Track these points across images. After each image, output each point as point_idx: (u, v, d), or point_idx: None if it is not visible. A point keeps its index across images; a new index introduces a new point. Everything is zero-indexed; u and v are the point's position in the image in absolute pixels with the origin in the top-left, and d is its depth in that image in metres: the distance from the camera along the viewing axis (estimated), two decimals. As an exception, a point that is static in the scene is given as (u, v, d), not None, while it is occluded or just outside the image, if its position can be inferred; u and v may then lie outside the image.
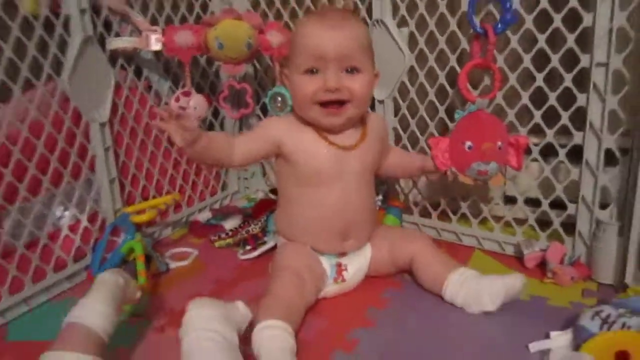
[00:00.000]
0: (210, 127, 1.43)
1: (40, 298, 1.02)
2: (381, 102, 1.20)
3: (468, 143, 1.00)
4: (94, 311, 0.75)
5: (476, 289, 0.90)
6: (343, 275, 0.98)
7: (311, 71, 0.90)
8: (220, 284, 1.07)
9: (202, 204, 1.42)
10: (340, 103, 0.91)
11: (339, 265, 0.98)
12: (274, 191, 1.44)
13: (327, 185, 0.95)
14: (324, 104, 0.91)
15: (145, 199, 1.25)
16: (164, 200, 1.13)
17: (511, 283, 0.89)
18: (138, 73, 1.24)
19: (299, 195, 0.97)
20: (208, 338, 0.72)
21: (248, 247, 1.18)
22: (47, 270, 1.02)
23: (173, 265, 1.14)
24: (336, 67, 0.89)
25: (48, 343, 0.74)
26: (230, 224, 1.26)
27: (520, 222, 1.11)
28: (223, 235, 1.22)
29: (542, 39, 0.98)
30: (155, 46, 1.16)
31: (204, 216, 1.34)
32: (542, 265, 1.04)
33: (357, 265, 1.00)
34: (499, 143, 1.00)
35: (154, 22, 1.23)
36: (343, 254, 1.00)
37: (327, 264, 0.98)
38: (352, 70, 0.91)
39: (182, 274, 1.12)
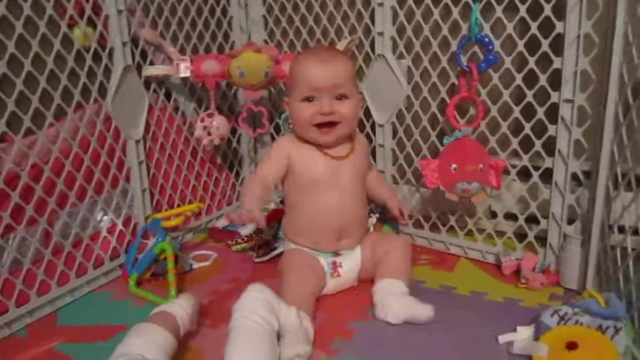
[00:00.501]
0: (229, 144, 1.59)
1: (83, 289, 1.18)
2: (381, 126, 1.36)
3: (454, 165, 1.16)
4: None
5: (388, 301, 1.03)
6: (338, 271, 1.15)
7: (308, 99, 1.09)
8: (237, 282, 1.22)
9: (220, 212, 1.58)
10: (333, 124, 1.10)
11: (334, 263, 1.15)
12: (283, 201, 1.59)
13: (325, 192, 1.12)
14: (319, 125, 1.10)
15: (171, 206, 1.41)
16: (189, 208, 1.29)
17: (417, 314, 1.01)
18: (168, 96, 1.41)
19: (302, 202, 1.15)
20: (255, 322, 0.85)
21: (262, 252, 1.34)
22: (88, 267, 1.19)
23: (196, 265, 1.30)
24: (329, 95, 1.08)
25: (91, 327, 0.94)
26: (245, 230, 1.42)
27: (501, 234, 1.27)
28: (239, 240, 1.38)
29: (519, 77, 1.14)
30: (185, 73, 1.33)
31: (222, 223, 1.50)
32: (518, 272, 1.19)
33: (349, 263, 1.16)
34: (481, 165, 1.16)
35: (182, 51, 1.40)
36: (337, 254, 1.16)
37: (324, 261, 1.14)
38: (342, 97, 1.10)
39: (205, 273, 1.28)
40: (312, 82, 1.08)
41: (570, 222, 1.15)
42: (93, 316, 1.10)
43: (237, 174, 1.66)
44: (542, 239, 1.20)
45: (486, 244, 1.29)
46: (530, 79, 1.13)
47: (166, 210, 1.38)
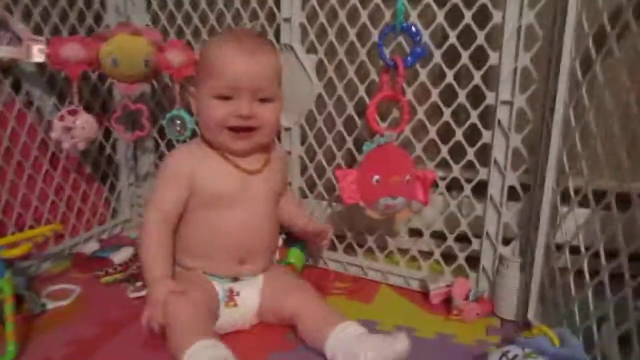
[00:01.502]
0: (101, 149, 1.31)
1: None
2: (288, 129, 1.15)
3: (376, 177, 0.98)
4: None
5: (354, 348, 0.80)
6: (235, 299, 0.93)
7: (224, 97, 0.89)
8: (105, 326, 0.95)
9: (89, 234, 1.28)
10: (250, 129, 0.91)
11: (231, 290, 0.93)
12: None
13: (229, 208, 0.92)
14: (233, 128, 0.90)
15: (20, 229, 1.10)
16: (41, 232, 0.99)
17: (393, 346, 0.80)
18: (16, 87, 1.10)
19: (200, 218, 0.93)
20: None
21: (139, 284, 1.07)
22: None
23: (51, 305, 1.01)
24: (250, 96, 0.89)
25: None
26: (119, 256, 1.14)
27: (426, 255, 1.10)
28: (111, 270, 1.11)
29: (450, 74, 0.98)
30: (38, 58, 1.04)
31: (91, 247, 1.21)
32: (448, 301, 1.03)
33: (249, 292, 0.94)
34: (407, 177, 0.98)
35: (37, 31, 1.10)
36: (236, 279, 0.94)
37: (219, 287, 0.93)
38: (265, 100, 0.91)
39: (62, 315, 0.99)
40: (231, 79, 0.88)
41: (507, 242, 1.00)
42: None
43: (112, 187, 1.37)
44: (474, 262, 1.04)
45: (409, 268, 1.11)
46: (463, 77, 0.98)
47: (13, 234, 1.07)
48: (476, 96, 0.97)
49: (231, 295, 0.92)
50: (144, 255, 0.90)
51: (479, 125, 0.98)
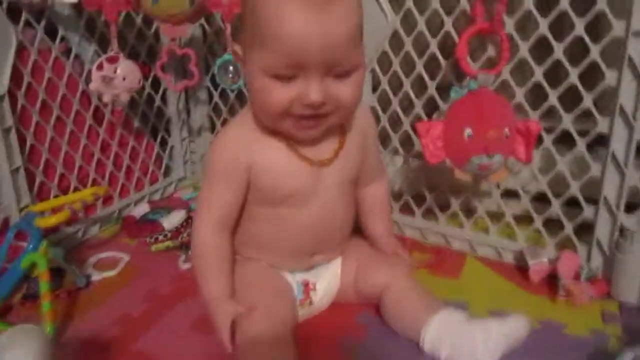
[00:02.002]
0: (150, 101, 1.18)
1: None
2: (356, 74, 0.98)
3: (468, 130, 0.79)
4: None
5: (467, 338, 0.67)
6: (311, 296, 0.78)
7: (285, 77, 0.62)
8: (154, 302, 0.85)
9: (140, 194, 1.18)
10: (322, 116, 0.66)
11: (306, 284, 0.78)
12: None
13: (297, 206, 0.73)
14: (300, 116, 0.66)
15: (64, 192, 1.01)
16: (81, 196, 0.89)
17: (513, 329, 0.67)
18: (52, 33, 0.98)
19: (260, 215, 0.75)
20: None
21: (191, 252, 0.96)
22: None
23: (97, 276, 0.91)
24: (322, 72, 0.62)
25: None
26: (170, 221, 1.03)
27: (523, 221, 0.92)
28: (161, 238, 0.99)
29: (563, -1, 0.77)
30: (70, -3, 0.91)
31: (141, 210, 1.11)
32: (550, 278, 0.86)
33: (326, 282, 0.80)
34: (506, 130, 0.79)
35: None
36: (309, 268, 0.79)
37: (291, 279, 0.78)
38: (343, 75, 0.64)
39: (108, 287, 0.90)
40: (294, 50, 0.60)
41: (630, 209, 0.80)
42: None
43: (164, 142, 1.26)
44: (585, 232, 0.86)
45: (502, 237, 0.94)
46: (580, 3, 0.76)
47: (56, 197, 0.98)
48: (596, 26, 0.76)
49: (306, 290, 0.78)
50: (199, 268, 0.73)
51: (601, 64, 0.77)
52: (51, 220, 0.81)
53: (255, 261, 0.77)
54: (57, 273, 0.84)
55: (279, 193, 0.72)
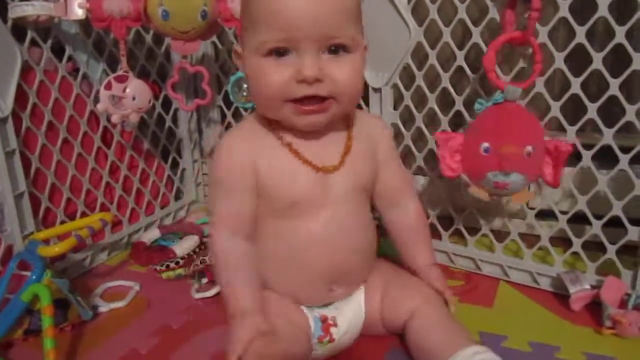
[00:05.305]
0: (160, 122, 1.14)
1: None
2: (377, 90, 0.93)
3: (485, 144, 0.74)
4: None
5: None
6: (331, 332, 0.70)
7: (278, 52, 0.61)
8: (165, 335, 0.79)
9: (150, 219, 1.13)
10: (321, 99, 0.63)
11: (324, 319, 0.70)
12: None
13: (302, 218, 0.67)
14: (298, 100, 0.62)
15: (71, 217, 0.96)
16: (87, 222, 0.84)
17: None
18: (59, 52, 0.94)
19: (267, 229, 0.69)
20: None
21: (205, 280, 0.91)
22: None
23: (104, 307, 0.86)
24: (316, 46, 0.60)
25: None
26: (182, 247, 0.97)
27: (561, 245, 0.86)
28: (172, 265, 0.94)
29: (603, 3, 0.71)
30: (78, 15, 0.87)
31: (151, 235, 1.06)
32: (592, 306, 0.79)
33: (349, 315, 0.72)
34: (528, 148, 0.73)
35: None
36: (328, 303, 0.72)
37: (308, 313, 0.71)
38: (338, 49, 0.62)
39: (116, 319, 0.84)
40: (285, 19, 0.59)
41: (680, 230, 0.74)
42: None
43: (175, 165, 1.21)
44: (629, 255, 0.79)
45: (538, 262, 0.87)
46: (624, 6, 0.71)
47: (62, 223, 0.93)
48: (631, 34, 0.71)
49: (326, 327, 0.70)
50: (223, 282, 0.67)
51: (645, 74, 0.71)
52: (55, 250, 0.76)
53: (267, 292, 0.69)
54: (61, 305, 0.78)
55: (283, 199, 0.66)
